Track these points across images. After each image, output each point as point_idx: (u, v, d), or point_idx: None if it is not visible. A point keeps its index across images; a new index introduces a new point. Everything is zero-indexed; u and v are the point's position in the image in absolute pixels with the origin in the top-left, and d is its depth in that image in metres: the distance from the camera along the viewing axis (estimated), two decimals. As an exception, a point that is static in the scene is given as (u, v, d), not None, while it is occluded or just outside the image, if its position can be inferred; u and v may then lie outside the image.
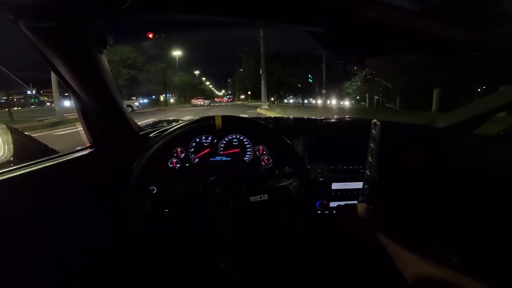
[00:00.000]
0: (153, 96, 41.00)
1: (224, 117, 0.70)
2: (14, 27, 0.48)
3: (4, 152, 0.63)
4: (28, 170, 0.60)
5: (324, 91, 21.98)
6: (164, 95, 37.27)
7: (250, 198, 0.74)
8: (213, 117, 0.69)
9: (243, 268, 0.71)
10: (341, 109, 18.10)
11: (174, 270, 0.81)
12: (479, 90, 13.87)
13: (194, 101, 36.40)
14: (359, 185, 0.90)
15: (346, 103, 24.45)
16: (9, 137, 0.63)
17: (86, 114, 0.76)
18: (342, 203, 0.91)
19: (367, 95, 22.13)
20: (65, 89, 0.68)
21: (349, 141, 0.96)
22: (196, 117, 0.77)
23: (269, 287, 0.92)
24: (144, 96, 38.74)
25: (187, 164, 0.85)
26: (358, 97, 25.82)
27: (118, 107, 0.79)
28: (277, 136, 0.77)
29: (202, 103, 34.75)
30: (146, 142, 0.83)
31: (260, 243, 0.74)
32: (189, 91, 51.27)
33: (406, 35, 0.53)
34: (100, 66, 0.66)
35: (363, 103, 24.59)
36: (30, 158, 0.65)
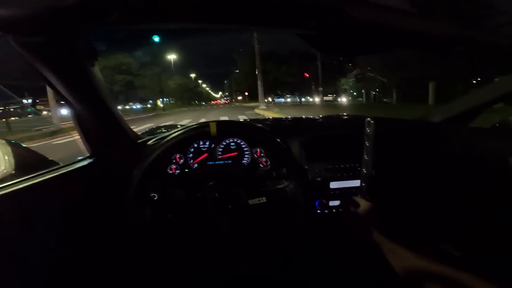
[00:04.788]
0: (150, 101, 41.04)
1: (218, 124, 0.71)
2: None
3: (5, 166, 0.64)
4: (29, 183, 0.61)
5: (321, 89, 22.01)
6: (161, 99, 37.25)
7: (249, 201, 0.75)
8: (208, 124, 0.70)
9: (244, 270, 0.72)
10: (338, 106, 18.10)
11: (177, 274, 0.82)
12: (475, 82, 13.95)
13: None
14: (357, 183, 0.91)
15: (343, 99, 24.51)
16: (9, 151, 0.64)
17: (82, 125, 0.77)
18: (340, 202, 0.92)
19: (363, 91, 22.16)
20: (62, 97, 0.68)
21: (345, 139, 0.97)
22: (193, 124, 0.78)
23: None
24: (141, 102, 38.81)
25: (186, 170, 0.86)
26: (355, 93, 25.88)
27: (113, 116, 0.80)
28: (271, 139, 0.78)
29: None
30: (144, 150, 0.84)
31: (260, 245, 0.75)
32: (185, 95, 51.33)
33: (391, 33, 0.54)
34: (92, 77, 0.67)
35: (360, 99, 24.66)
36: (31, 170, 0.66)
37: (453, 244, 0.94)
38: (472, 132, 1.07)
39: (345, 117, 1.30)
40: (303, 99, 33.54)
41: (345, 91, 24.86)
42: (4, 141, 0.65)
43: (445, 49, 0.64)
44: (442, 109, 1.17)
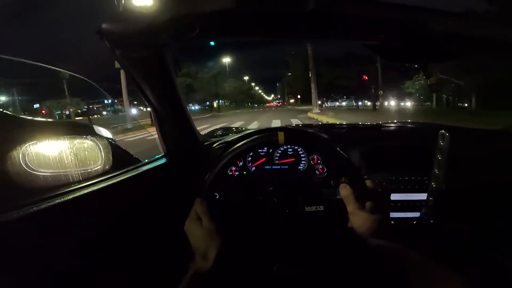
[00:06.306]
0: (207, 103, 43.90)
1: (286, 133, 0.71)
2: (111, 54, 0.61)
3: (101, 161, 0.76)
4: (123, 177, 0.71)
5: (381, 92, 20.41)
6: (217, 101, 39.48)
7: (306, 208, 0.76)
8: (276, 133, 0.72)
9: (295, 273, 0.73)
10: (402, 112, 16.48)
11: (231, 272, 0.87)
12: None
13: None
14: (421, 196, 0.84)
15: (408, 104, 22.31)
16: (107, 148, 0.77)
17: (162, 127, 0.88)
18: (402, 214, 0.86)
19: (434, 95, 19.66)
20: (134, 98, 0.80)
21: (412, 151, 0.90)
22: (258, 130, 0.79)
23: None
24: (199, 103, 41.83)
25: (244, 172, 0.91)
26: (422, 97, 23.21)
27: (187, 120, 0.90)
28: (337, 152, 0.77)
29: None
30: (213, 154, 0.92)
31: (313, 251, 0.75)
32: (239, 97, 53.36)
33: (470, 41, 0.49)
34: (175, 85, 0.76)
35: (429, 103, 22.06)
36: (120, 166, 0.77)
37: None
38: None
39: (410, 125, 1.19)
40: (359, 103, 31.57)
41: (409, 95, 22.52)
42: (106, 142, 0.77)
43: None
44: None
